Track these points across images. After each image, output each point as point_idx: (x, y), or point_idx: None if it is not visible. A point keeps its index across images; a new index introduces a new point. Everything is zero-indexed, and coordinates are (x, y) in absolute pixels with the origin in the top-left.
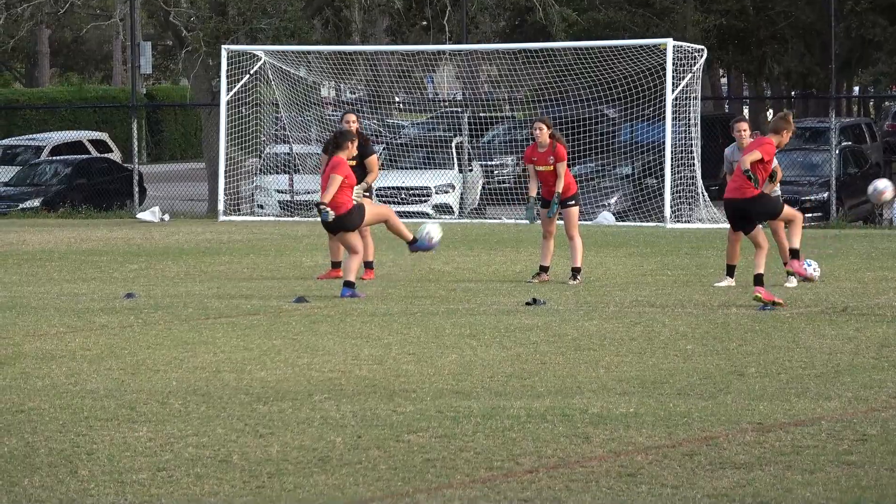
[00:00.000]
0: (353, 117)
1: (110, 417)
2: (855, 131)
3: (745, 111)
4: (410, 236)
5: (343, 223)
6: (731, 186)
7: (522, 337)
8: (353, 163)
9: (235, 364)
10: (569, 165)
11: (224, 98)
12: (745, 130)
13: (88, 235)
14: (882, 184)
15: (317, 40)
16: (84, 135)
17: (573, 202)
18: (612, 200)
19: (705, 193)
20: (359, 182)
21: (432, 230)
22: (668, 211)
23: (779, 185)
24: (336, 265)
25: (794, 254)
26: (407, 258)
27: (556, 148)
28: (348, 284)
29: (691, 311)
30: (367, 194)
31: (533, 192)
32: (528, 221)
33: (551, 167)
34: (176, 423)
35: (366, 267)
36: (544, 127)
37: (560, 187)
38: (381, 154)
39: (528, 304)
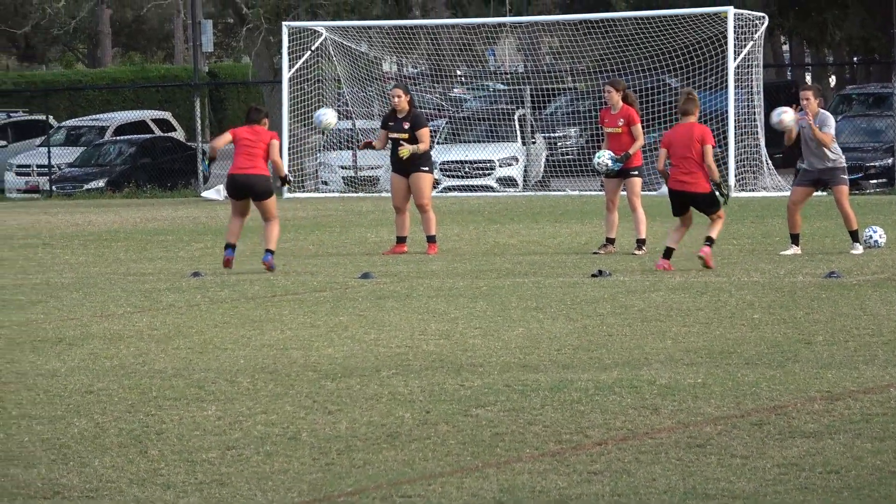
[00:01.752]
0: (398, 91)
1: (179, 397)
2: None
3: (808, 78)
4: (272, 247)
5: (268, 188)
6: (680, 177)
7: (589, 309)
8: (406, 136)
9: (303, 341)
10: None
11: (286, 75)
12: (809, 99)
13: (154, 215)
14: (777, 116)
15: (377, 15)
16: (147, 114)
17: (636, 173)
18: None
19: (769, 161)
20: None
21: (327, 115)
22: (732, 179)
23: (841, 151)
24: (401, 240)
25: (710, 241)
26: (470, 232)
27: (628, 111)
28: (271, 251)
29: (758, 280)
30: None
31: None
32: (596, 163)
33: (620, 130)
34: (244, 401)
35: (429, 241)
36: (612, 89)
37: (635, 149)
38: (443, 128)
39: (593, 275)
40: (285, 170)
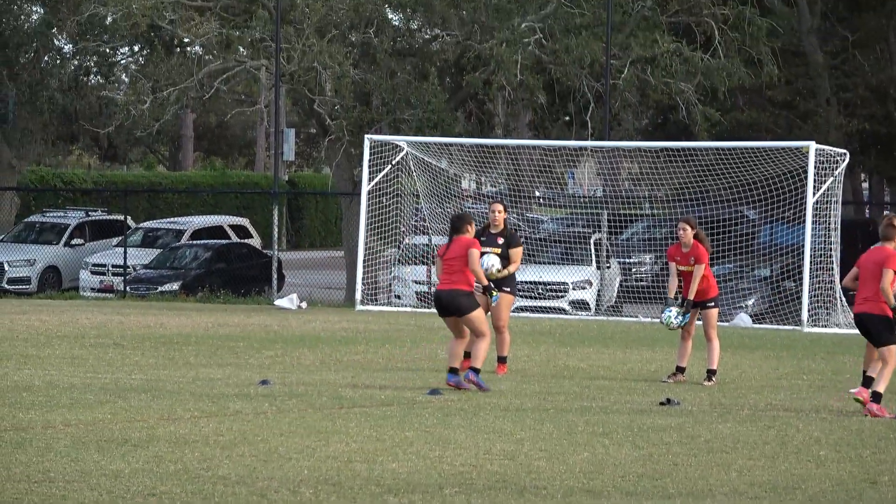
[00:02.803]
0: (499, 206)
1: None
2: None
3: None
4: (476, 364)
5: (461, 304)
6: (859, 300)
7: (655, 437)
8: (499, 251)
9: (367, 454)
10: (710, 265)
11: (365, 187)
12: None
13: (226, 320)
14: None
15: (459, 132)
16: (225, 220)
17: (713, 304)
18: (750, 302)
19: (843, 298)
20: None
21: (493, 261)
22: (805, 315)
23: None
24: (468, 356)
25: (877, 397)
26: (541, 354)
27: (698, 249)
28: (475, 370)
29: (825, 417)
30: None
31: (671, 292)
32: (664, 323)
33: (692, 268)
34: None
35: (499, 361)
36: (688, 227)
37: (692, 293)
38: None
39: (661, 404)
40: (485, 279)
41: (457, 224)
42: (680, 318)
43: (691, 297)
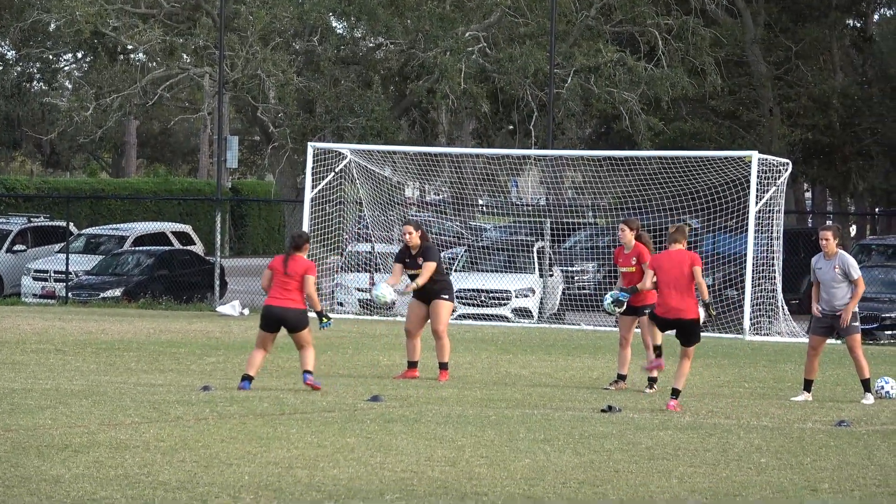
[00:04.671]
0: (409, 228)
1: None
2: None
3: (828, 223)
4: (310, 368)
5: (301, 322)
6: (672, 305)
7: (596, 444)
8: (419, 270)
9: (308, 461)
10: None
11: (308, 195)
12: (828, 239)
13: (167, 327)
14: None
15: (403, 140)
16: (167, 226)
17: (649, 311)
18: None
19: (785, 307)
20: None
21: (384, 293)
22: (747, 323)
23: (857, 301)
24: (413, 365)
25: (675, 393)
26: (483, 361)
27: (639, 249)
28: (309, 372)
29: (766, 425)
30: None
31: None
32: (607, 305)
33: (633, 268)
34: None
35: (441, 368)
36: (627, 228)
37: (642, 284)
38: (462, 256)
39: (603, 411)
40: (320, 305)
41: (296, 242)
42: (613, 301)
43: (639, 287)
